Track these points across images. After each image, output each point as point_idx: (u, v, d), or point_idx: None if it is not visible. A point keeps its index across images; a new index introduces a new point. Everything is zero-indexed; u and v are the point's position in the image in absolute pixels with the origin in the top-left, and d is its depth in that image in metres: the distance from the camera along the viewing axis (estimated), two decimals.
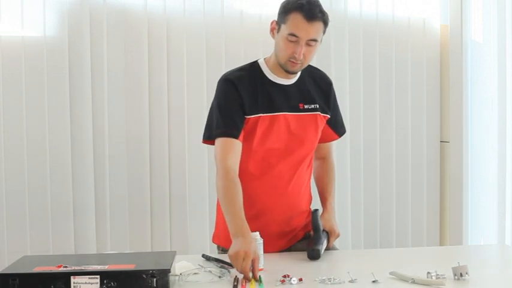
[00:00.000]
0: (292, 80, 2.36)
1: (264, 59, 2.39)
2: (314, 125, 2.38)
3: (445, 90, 3.91)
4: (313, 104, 2.37)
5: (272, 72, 2.34)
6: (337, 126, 2.52)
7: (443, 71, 3.92)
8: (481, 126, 3.73)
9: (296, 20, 2.20)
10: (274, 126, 2.31)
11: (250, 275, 2.00)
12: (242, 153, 2.31)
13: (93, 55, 3.42)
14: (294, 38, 2.22)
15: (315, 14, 2.21)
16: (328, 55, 3.70)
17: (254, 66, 2.37)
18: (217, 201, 2.48)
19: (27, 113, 3.37)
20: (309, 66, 2.37)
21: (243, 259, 2.00)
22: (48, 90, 3.38)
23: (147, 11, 3.48)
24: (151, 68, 3.50)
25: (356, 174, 3.83)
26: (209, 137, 2.34)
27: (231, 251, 2.06)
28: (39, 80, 3.37)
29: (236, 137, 2.27)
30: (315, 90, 2.40)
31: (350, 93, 3.78)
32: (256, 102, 2.30)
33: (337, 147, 3.71)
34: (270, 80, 2.34)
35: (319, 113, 2.38)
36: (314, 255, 2.25)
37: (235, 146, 2.27)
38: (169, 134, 3.53)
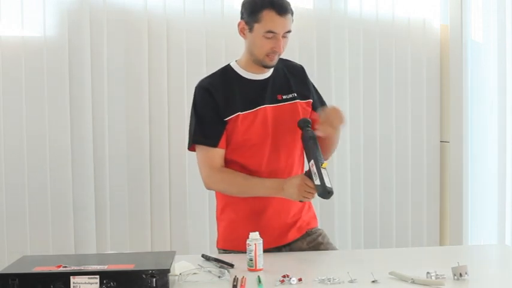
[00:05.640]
0: (267, 74, 2.40)
1: (236, 61, 2.43)
2: (296, 114, 2.40)
3: (445, 90, 3.91)
4: (291, 93, 2.42)
5: (246, 70, 2.39)
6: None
7: (443, 71, 3.92)
8: (481, 126, 3.72)
9: (270, 16, 2.26)
10: (257, 120, 2.34)
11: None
12: (231, 150, 2.35)
13: (93, 55, 3.42)
14: (271, 35, 2.28)
15: (285, 7, 2.29)
16: (328, 55, 3.70)
17: (226, 69, 2.43)
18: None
19: (27, 113, 3.37)
20: (280, 58, 2.39)
21: (304, 191, 2.18)
22: (48, 90, 3.38)
23: (147, 10, 3.48)
24: (151, 68, 3.51)
25: (356, 174, 3.82)
26: (189, 145, 2.40)
27: (291, 196, 2.23)
28: (39, 80, 3.37)
29: (215, 145, 2.33)
30: (290, 79, 2.44)
31: (350, 93, 3.78)
32: (234, 103, 2.34)
33: (337, 147, 3.72)
34: (245, 78, 2.39)
35: (298, 100, 2.42)
36: (328, 193, 2.12)
37: (214, 154, 2.34)
38: (169, 134, 3.53)
